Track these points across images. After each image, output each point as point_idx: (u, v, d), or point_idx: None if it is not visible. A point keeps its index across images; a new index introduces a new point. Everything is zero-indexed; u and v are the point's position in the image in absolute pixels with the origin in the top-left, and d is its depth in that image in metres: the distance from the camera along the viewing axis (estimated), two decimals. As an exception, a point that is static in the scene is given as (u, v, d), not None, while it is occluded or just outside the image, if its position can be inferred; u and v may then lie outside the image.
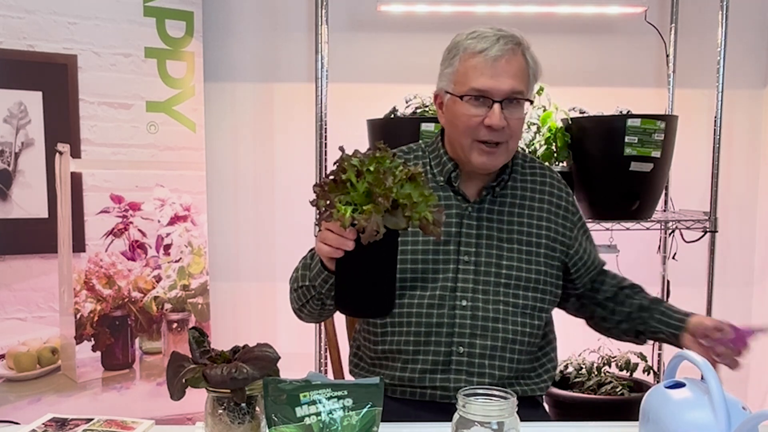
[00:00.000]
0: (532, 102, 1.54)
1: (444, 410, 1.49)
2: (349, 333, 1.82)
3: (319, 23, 2.42)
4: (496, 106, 1.44)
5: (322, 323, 2.38)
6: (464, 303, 1.49)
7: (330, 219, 1.17)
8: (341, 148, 1.20)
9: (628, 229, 2.44)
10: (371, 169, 1.15)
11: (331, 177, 1.18)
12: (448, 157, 1.55)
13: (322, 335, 2.42)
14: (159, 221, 2.46)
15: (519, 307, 1.51)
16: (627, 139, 2.30)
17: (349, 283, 1.26)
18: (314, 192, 1.19)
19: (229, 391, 1.09)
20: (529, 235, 1.53)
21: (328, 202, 1.18)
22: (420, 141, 1.69)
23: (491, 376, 1.49)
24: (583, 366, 2.54)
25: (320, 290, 1.40)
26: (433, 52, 1.59)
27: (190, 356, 1.14)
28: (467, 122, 1.46)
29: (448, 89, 1.50)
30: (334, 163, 1.18)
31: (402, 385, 1.52)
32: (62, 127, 2.28)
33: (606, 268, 1.67)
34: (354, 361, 1.65)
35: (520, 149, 2.28)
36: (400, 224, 1.17)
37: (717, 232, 2.52)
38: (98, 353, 2.36)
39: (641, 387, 2.48)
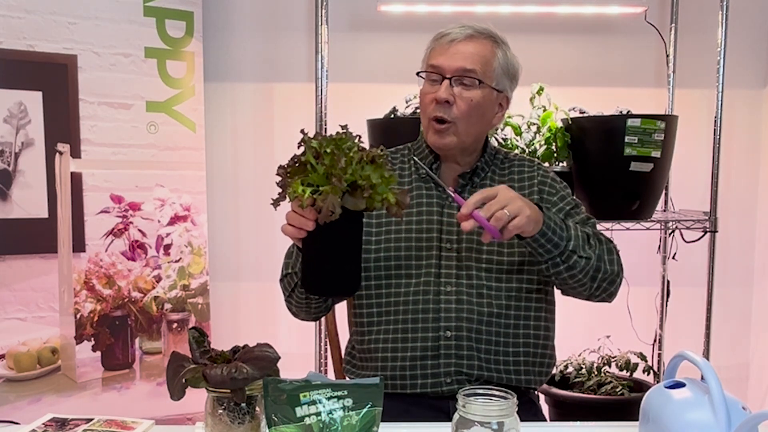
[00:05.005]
0: (501, 91, 1.56)
1: (436, 407, 1.51)
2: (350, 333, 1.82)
3: (319, 23, 2.42)
4: (445, 81, 1.50)
5: (323, 323, 2.39)
6: (449, 288, 1.52)
7: (284, 199, 1.21)
8: (303, 131, 1.23)
9: (628, 229, 2.44)
10: (328, 150, 1.18)
11: (294, 160, 1.21)
12: (430, 149, 1.59)
13: (322, 335, 2.42)
14: (159, 221, 2.46)
15: (502, 290, 1.53)
16: (627, 139, 2.30)
17: (312, 263, 1.30)
18: (278, 174, 1.22)
19: (229, 391, 1.09)
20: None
21: (288, 183, 1.21)
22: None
23: (479, 359, 1.51)
24: (583, 366, 2.54)
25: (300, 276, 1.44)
26: (433, 52, 1.60)
27: (190, 356, 1.15)
28: (423, 99, 1.55)
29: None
30: (298, 145, 1.21)
31: (393, 375, 1.53)
32: (62, 127, 2.28)
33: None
34: (347, 358, 1.67)
35: (518, 149, 2.31)
36: (359, 205, 1.20)
37: (717, 232, 2.51)
38: (98, 353, 2.36)
39: (641, 387, 2.48)
